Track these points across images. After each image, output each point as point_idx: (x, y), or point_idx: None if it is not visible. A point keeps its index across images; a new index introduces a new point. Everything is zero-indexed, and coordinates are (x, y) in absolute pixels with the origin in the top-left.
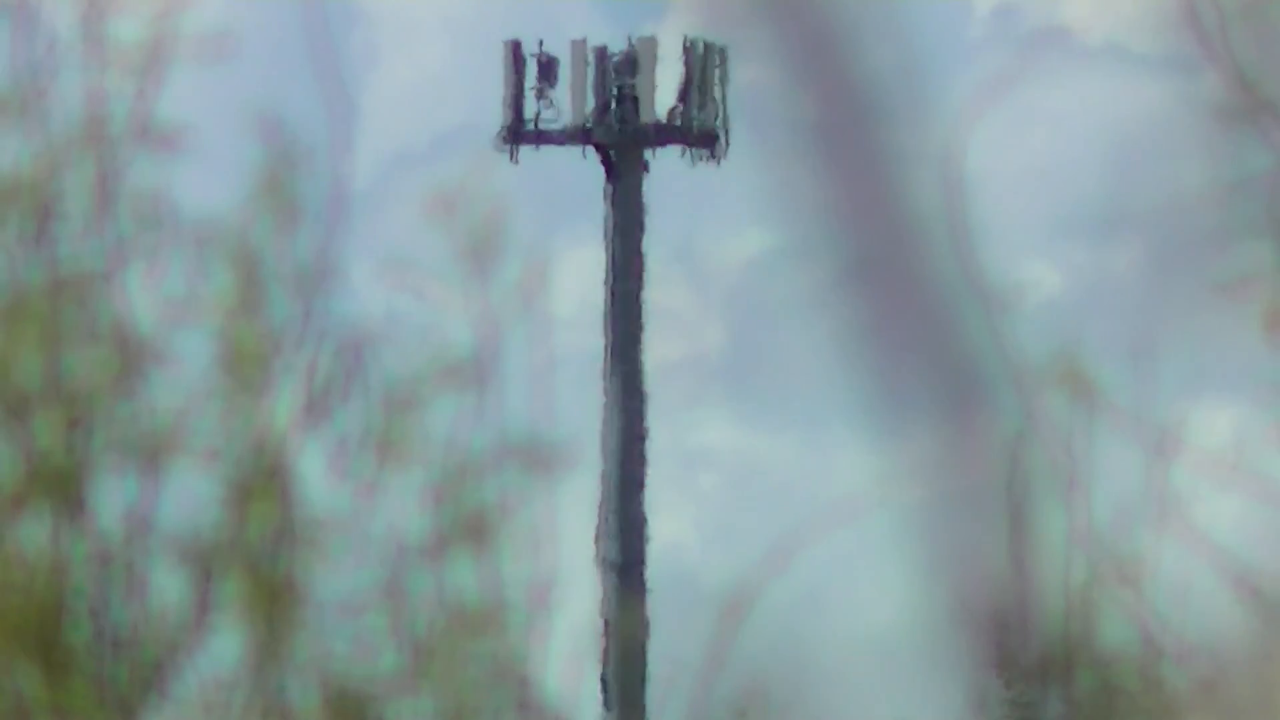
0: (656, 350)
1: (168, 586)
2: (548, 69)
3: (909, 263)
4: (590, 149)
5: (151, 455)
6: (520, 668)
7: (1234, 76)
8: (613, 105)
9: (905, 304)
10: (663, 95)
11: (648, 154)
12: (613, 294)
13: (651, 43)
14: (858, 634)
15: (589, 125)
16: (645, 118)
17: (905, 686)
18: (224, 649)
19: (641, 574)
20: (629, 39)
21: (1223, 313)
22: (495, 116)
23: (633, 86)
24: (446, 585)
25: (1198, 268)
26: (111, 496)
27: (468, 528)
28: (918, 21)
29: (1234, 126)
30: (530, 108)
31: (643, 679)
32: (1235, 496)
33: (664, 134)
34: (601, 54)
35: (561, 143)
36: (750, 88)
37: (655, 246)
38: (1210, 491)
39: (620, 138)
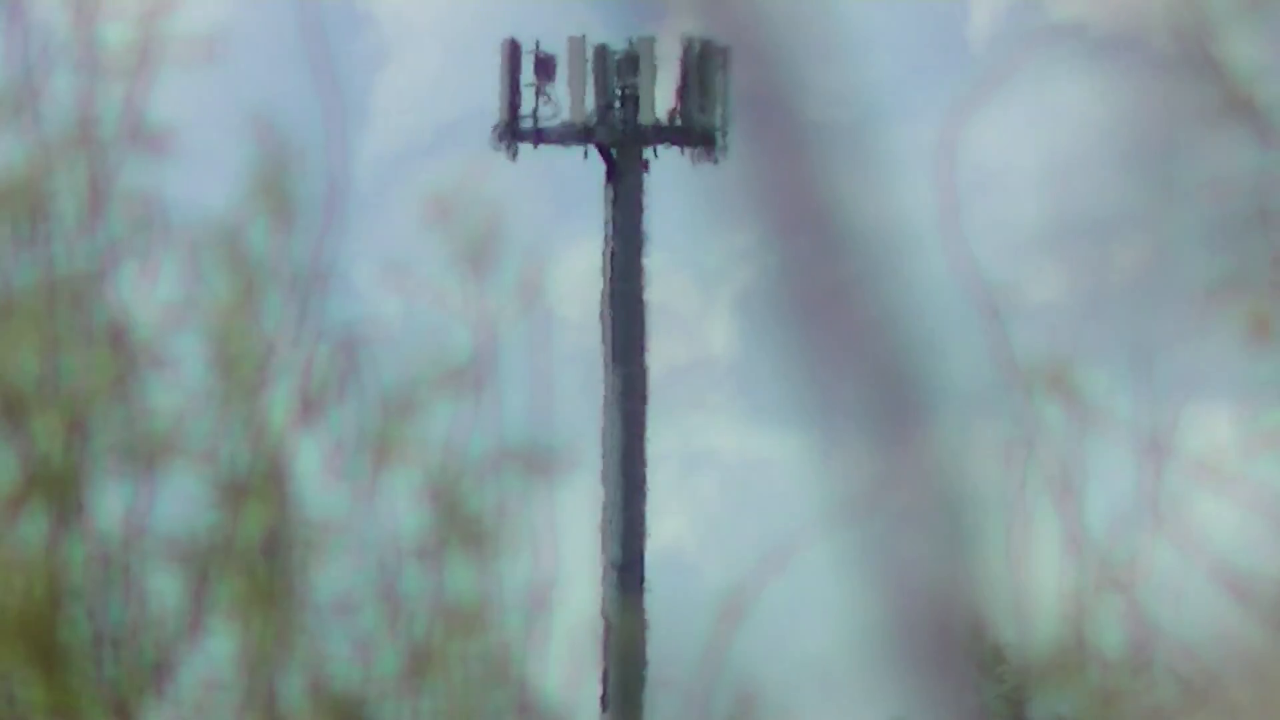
0: (657, 351)
1: (165, 588)
2: (545, 66)
3: (900, 266)
4: (591, 148)
5: (148, 457)
6: (518, 670)
7: (1227, 77)
8: (616, 105)
9: (895, 307)
10: (665, 95)
11: (648, 154)
12: (613, 294)
13: (651, 42)
14: (845, 638)
15: (589, 124)
16: (645, 118)
17: (891, 691)
18: (221, 650)
19: (641, 574)
20: (629, 39)
21: (1216, 316)
22: (495, 116)
23: (634, 86)
24: (444, 587)
25: (1191, 270)
26: (109, 499)
27: (465, 530)
28: (917, 22)
29: (1227, 127)
30: (528, 105)
31: (641, 678)
32: (1229, 500)
33: (664, 134)
34: (601, 52)
35: (562, 142)
36: (751, 88)
37: (656, 247)
38: (1204, 495)
39: (621, 137)
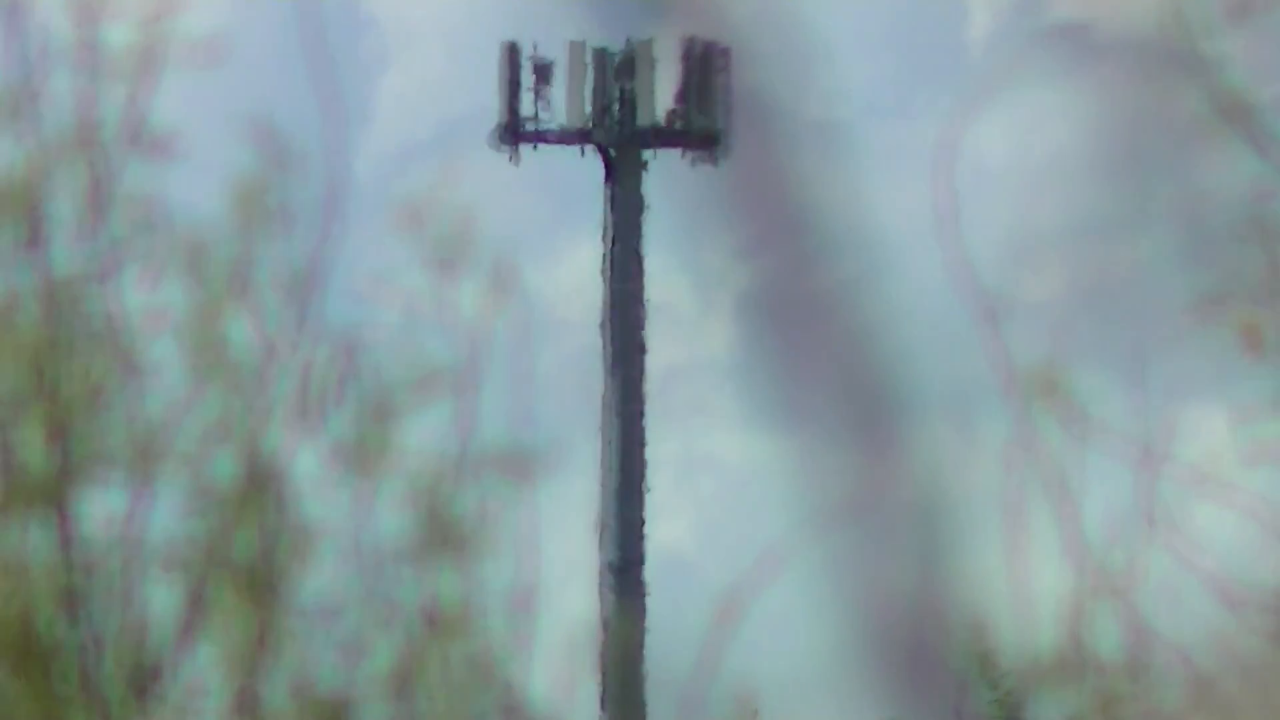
0: (656, 352)
1: (156, 593)
2: (544, 70)
3: (897, 268)
4: (589, 150)
5: (140, 462)
6: (504, 672)
7: (1224, 82)
8: (613, 107)
9: (890, 311)
10: (665, 97)
11: (647, 155)
12: (612, 295)
13: (650, 44)
14: (838, 640)
15: (587, 126)
16: (644, 119)
17: (883, 692)
18: (212, 654)
19: (639, 576)
20: (628, 41)
21: (1211, 323)
22: (496, 118)
23: (632, 88)
24: (431, 591)
25: (1187, 276)
26: (99, 504)
27: (452, 534)
28: (915, 24)
29: (1223, 132)
30: (527, 108)
31: (640, 679)
32: (1224, 507)
33: (663, 136)
34: (600, 56)
35: (560, 143)
36: (750, 90)
37: (655, 248)
38: (1200, 501)
39: (619, 139)
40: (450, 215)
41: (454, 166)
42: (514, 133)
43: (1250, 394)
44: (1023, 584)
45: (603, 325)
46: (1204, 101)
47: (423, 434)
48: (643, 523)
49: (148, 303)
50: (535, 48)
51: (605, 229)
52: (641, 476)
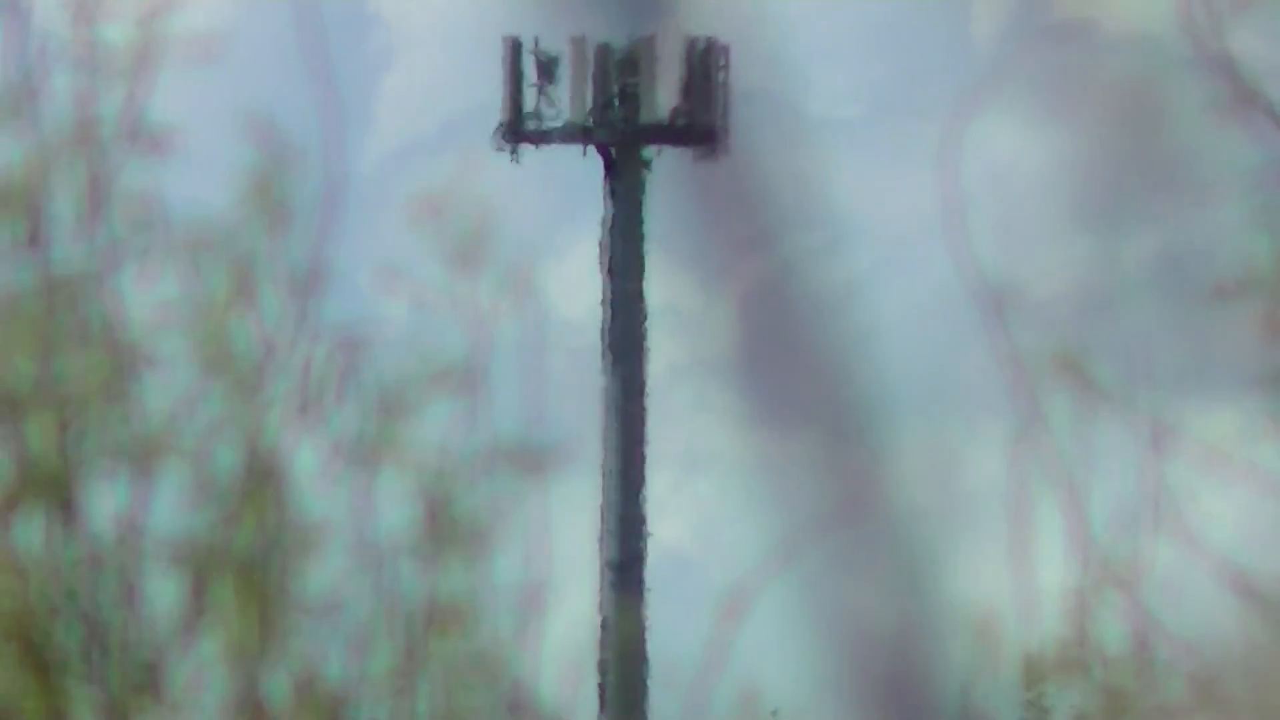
0: (657, 351)
1: (160, 589)
2: (547, 66)
3: (901, 270)
4: (591, 148)
5: (143, 458)
6: (511, 669)
7: (1233, 74)
8: (615, 104)
9: (895, 311)
10: (667, 93)
11: (649, 152)
12: (613, 293)
13: (652, 41)
14: (843, 635)
15: (589, 123)
16: (646, 117)
17: (891, 691)
18: (215, 651)
19: (640, 574)
20: (630, 38)
21: (1220, 310)
22: (498, 114)
23: (634, 85)
24: (437, 587)
25: (1194, 268)
26: (104, 500)
27: (459, 530)
28: (919, 20)
29: (1232, 125)
30: (530, 105)
31: (641, 679)
32: (1232, 493)
33: (664, 133)
34: (603, 52)
35: (562, 141)
36: (753, 87)
37: (656, 246)
38: (1207, 490)
39: (621, 136)
40: (466, 211)
41: (467, 162)
42: (516, 131)
43: (1261, 383)
44: (1029, 577)
45: (603, 323)
46: (1210, 93)
47: (431, 430)
48: (643, 521)
49: (151, 299)
50: (537, 43)
51: (606, 226)
52: (642, 474)
